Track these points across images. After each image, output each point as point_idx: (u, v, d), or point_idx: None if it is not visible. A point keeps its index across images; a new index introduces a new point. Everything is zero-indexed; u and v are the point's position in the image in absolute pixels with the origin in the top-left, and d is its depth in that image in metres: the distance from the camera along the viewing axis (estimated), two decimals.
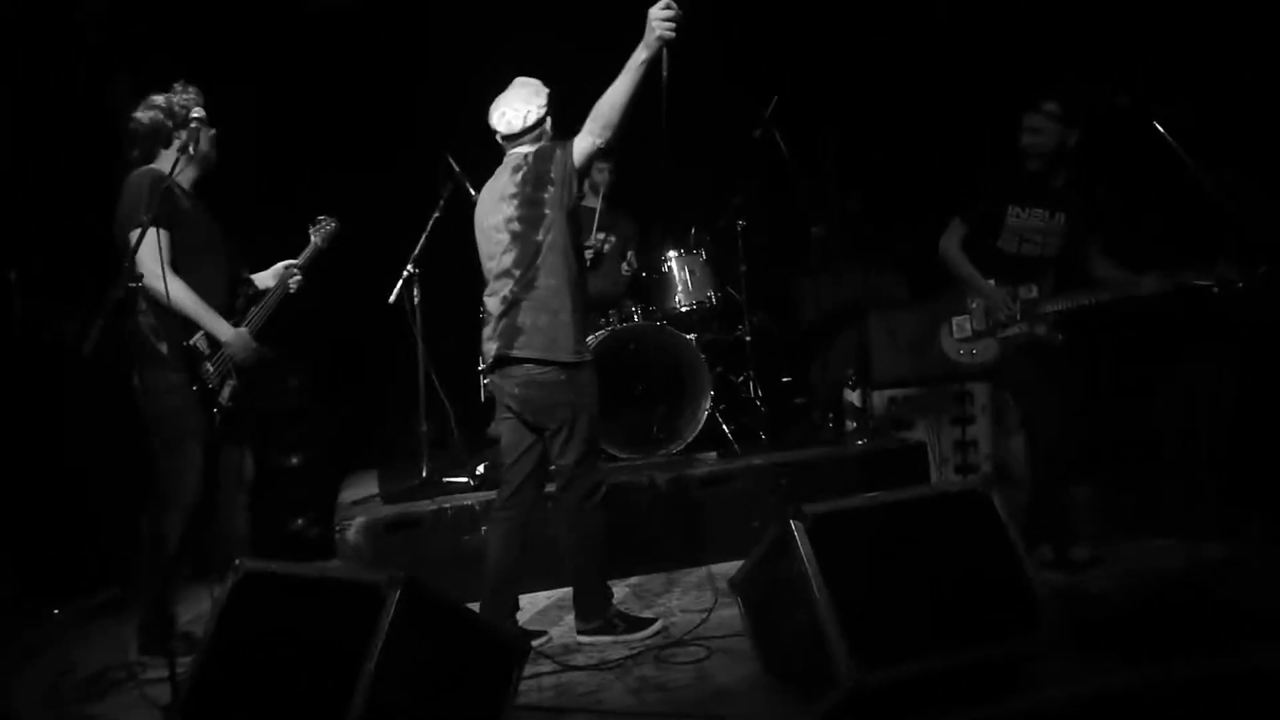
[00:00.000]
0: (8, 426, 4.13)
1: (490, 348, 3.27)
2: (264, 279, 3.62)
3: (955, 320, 3.84)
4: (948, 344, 3.86)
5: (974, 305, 3.79)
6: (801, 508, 2.59)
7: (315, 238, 3.77)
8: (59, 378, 4.33)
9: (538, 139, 3.27)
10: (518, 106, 3.25)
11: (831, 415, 4.96)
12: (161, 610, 3.29)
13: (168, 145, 3.28)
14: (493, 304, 3.28)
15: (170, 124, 3.28)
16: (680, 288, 4.83)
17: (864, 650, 2.38)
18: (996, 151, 3.83)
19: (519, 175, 3.19)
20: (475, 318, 5.06)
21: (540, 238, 3.13)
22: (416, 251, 4.35)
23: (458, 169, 4.38)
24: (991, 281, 3.71)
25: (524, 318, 3.15)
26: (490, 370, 3.35)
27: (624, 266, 5.00)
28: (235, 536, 3.52)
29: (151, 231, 3.04)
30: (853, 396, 4.85)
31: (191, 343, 3.23)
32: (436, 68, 5.39)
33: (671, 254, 4.87)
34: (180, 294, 3.14)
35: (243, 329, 3.35)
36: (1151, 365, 4.79)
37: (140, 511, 3.30)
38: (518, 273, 3.17)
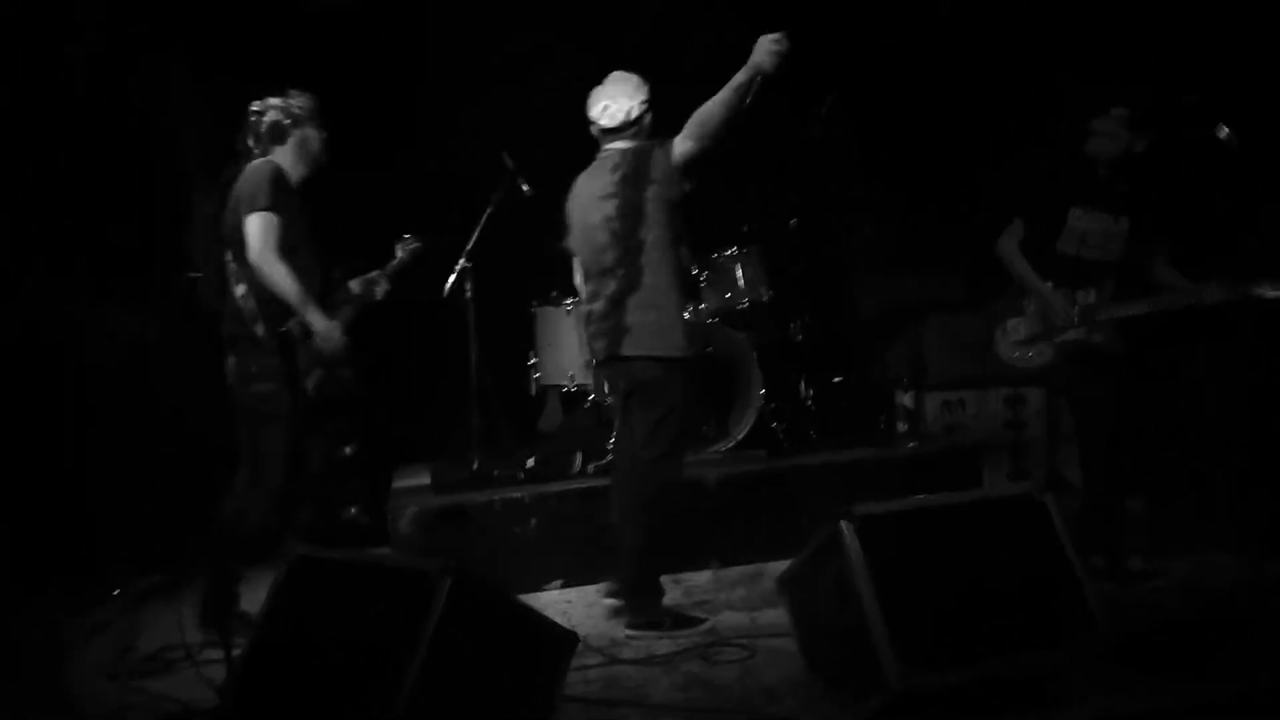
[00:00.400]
0: (71, 409, 4.24)
1: (598, 346, 3.34)
2: (352, 284, 3.76)
3: (1010, 322, 3.78)
4: (1003, 346, 3.79)
5: (1030, 308, 3.72)
6: (851, 508, 2.57)
7: (401, 252, 3.94)
8: (124, 363, 4.44)
9: (636, 135, 3.32)
10: (621, 101, 3.30)
11: (883, 417, 4.91)
12: (226, 588, 3.37)
13: (283, 143, 3.41)
14: (596, 302, 3.32)
15: (287, 122, 3.41)
16: (733, 285, 4.83)
17: (912, 653, 2.36)
18: (1057, 152, 3.77)
19: (618, 174, 3.22)
20: (527, 312, 5.15)
21: (643, 236, 3.18)
22: (470, 246, 4.40)
23: (512, 165, 4.42)
24: (1049, 284, 3.65)
25: (631, 316, 3.21)
26: (600, 366, 3.52)
27: None
28: (298, 523, 3.59)
29: (268, 216, 3.21)
30: (905, 398, 4.81)
31: (287, 328, 3.29)
32: (497, 61, 5.43)
33: (725, 251, 4.87)
34: (287, 281, 3.24)
35: (335, 321, 3.44)
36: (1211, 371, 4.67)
37: (215, 495, 3.38)
38: (621, 271, 3.22)
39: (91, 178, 4.31)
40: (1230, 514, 4.21)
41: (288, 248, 3.30)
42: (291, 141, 3.42)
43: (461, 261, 4.40)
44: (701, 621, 3.32)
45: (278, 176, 3.31)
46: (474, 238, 4.41)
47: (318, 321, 3.34)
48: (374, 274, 3.81)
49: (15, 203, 4.33)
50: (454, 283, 4.38)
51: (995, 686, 2.48)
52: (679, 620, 3.32)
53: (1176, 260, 3.64)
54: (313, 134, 3.48)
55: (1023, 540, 2.67)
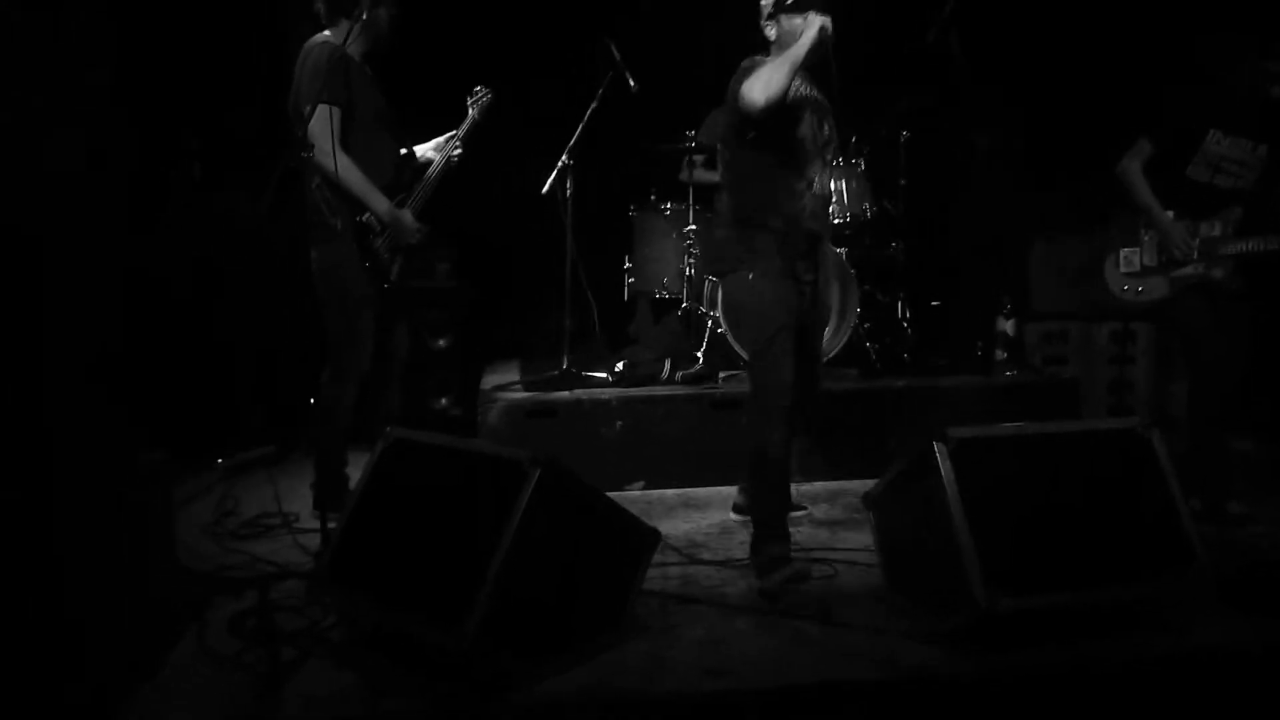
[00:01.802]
0: (180, 291, 4.39)
1: (812, 225, 3.08)
2: (425, 151, 3.65)
3: (1124, 252, 3.58)
4: (1113, 278, 3.61)
5: (1146, 238, 3.53)
6: (946, 430, 2.52)
7: (473, 110, 3.73)
8: (230, 244, 4.57)
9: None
10: None
11: (981, 344, 4.78)
12: (333, 471, 3.47)
13: (348, 15, 3.26)
14: (808, 185, 3.07)
15: None
16: (835, 199, 4.70)
17: (999, 576, 2.33)
18: (1185, 71, 3.51)
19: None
20: (625, 214, 5.11)
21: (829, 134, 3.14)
22: (573, 143, 4.35)
23: (619, 57, 4.32)
24: (1171, 214, 3.45)
25: (819, 208, 3.11)
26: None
27: None
28: (388, 408, 3.68)
29: (324, 108, 3.14)
30: (1006, 325, 4.66)
31: (365, 218, 3.31)
32: None
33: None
34: (348, 172, 3.22)
35: (405, 210, 3.41)
36: None
37: (315, 378, 3.46)
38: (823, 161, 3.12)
39: (266, 50, 4.35)
40: None
41: (356, 134, 3.26)
42: (357, 17, 3.21)
43: (563, 159, 4.36)
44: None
45: (335, 60, 3.17)
46: (576, 134, 4.34)
47: (385, 211, 3.31)
48: (444, 138, 3.67)
49: (191, 73, 4.41)
50: (554, 180, 4.35)
51: (1085, 615, 2.44)
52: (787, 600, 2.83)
53: None
54: (383, 14, 3.35)
55: (1124, 474, 2.59)
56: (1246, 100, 3.35)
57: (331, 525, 2.86)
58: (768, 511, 2.98)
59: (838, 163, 4.67)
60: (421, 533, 2.50)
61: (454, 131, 3.67)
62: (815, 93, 3.07)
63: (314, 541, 3.19)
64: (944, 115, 4.80)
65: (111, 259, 2.40)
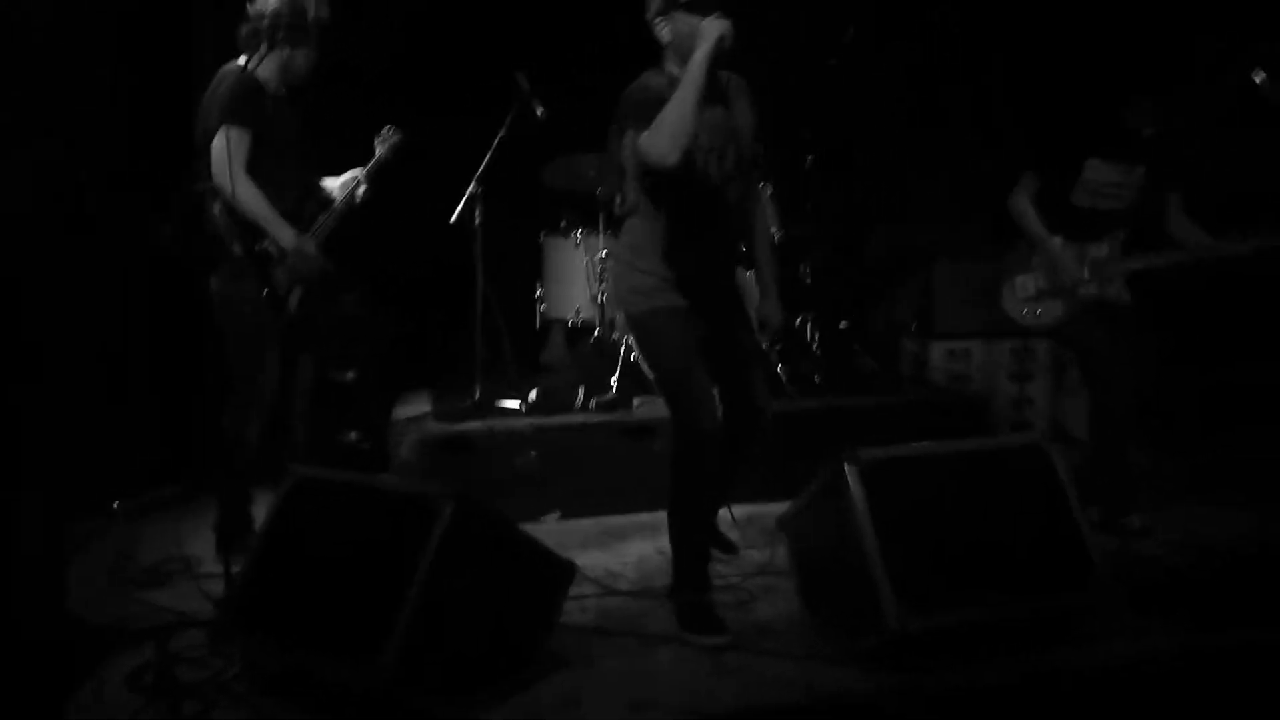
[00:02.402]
0: (80, 321, 4.20)
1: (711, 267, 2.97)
2: (332, 186, 3.59)
3: (1019, 279, 3.73)
4: (1010, 304, 3.75)
5: (1039, 264, 3.67)
6: (856, 451, 2.56)
7: (380, 148, 3.67)
8: (133, 273, 4.39)
9: None
10: None
11: (889, 363, 4.89)
12: (237, 512, 3.35)
13: (271, 49, 3.20)
14: (708, 224, 2.95)
15: (280, 34, 3.18)
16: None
17: (911, 596, 2.37)
18: (1083, 95, 3.69)
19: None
20: (535, 242, 5.10)
21: None
22: (481, 171, 4.32)
23: (527, 88, 4.32)
24: (1059, 239, 3.59)
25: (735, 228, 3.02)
26: None
27: None
28: (293, 444, 3.58)
29: (229, 131, 3.07)
30: (912, 345, 4.77)
31: (263, 247, 3.22)
32: None
33: None
34: (250, 197, 3.13)
35: (306, 237, 3.32)
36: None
37: (218, 413, 3.34)
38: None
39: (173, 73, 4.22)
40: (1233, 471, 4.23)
41: (262, 160, 3.18)
42: (270, 46, 3.18)
43: (471, 187, 4.32)
44: (722, 634, 2.70)
45: (247, 85, 3.12)
46: (484, 162, 4.32)
47: (286, 239, 3.22)
48: (350, 175, 3.60)
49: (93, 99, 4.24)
50: (463, 209, 4.31)
51: (996, 630, 2.49)
52: (699, 624, 2.75)
53: (1194, 211, 3.58)
54: (300, 58, 3.28)
55: (1025, 489, 2.67)
56: (1121, 130, 3.52)
57: (236, 569, 2.76)
58: (684, 557, 2.86)
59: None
60: (331, 574, 2.43)
61: (358, 169, 3.60)
62: (724, 112, 2.81)
63: (218, 587, 3.07)
64: (853, 140, 4.92)
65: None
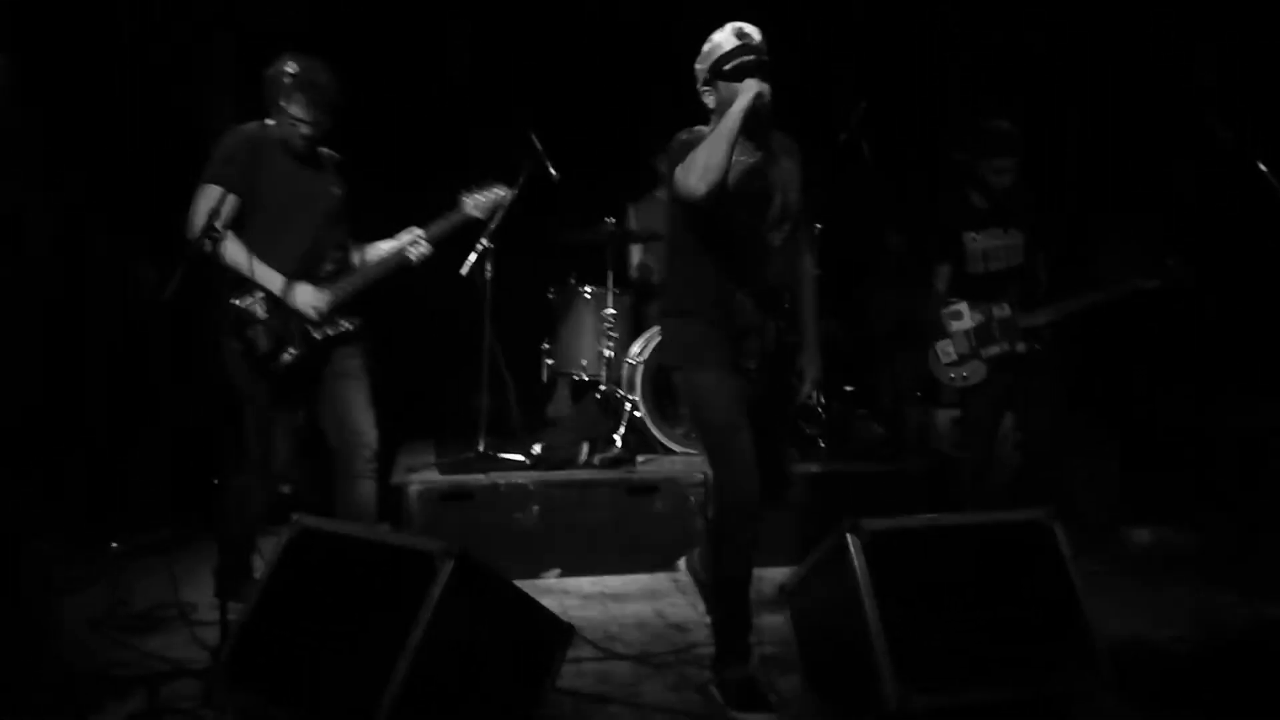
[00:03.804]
0: (78, 365, 4.24)
1: (755, 317, 2.95)
2: (379, 248, 3.48)
3: (938, 345, 3.90)
4: (938, 370, 3.93)
5: (953, 329, 3.86)
6: (859, 522, 2.55)
7: (470, 205, 3.49)
8: (131, 320, 4.43)
9: None
10: None
11: (894, 430, 4.88)
12: (239, 558, 3.33)
13: (281, 103, 3.19)
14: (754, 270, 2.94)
15: (276, 86, 3.18)
16: None
17: (911, 674, 2.34)
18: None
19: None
20: (544, 297, 5.13)
21: None
22: (493, 226, 4.36)
23: (540, 147, 4.38)
24: (965, 303, 3.84)
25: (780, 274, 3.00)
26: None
27: None
28: (295, 494, 3.57)
29: (205, 189, 3.10)
30: (917, 413, 4.77)
31: (241, 304, 3.18)
32: (528, 44, 5.42)
33: None
34: (232, 250, 3.10)
35: (304, 284, 3.23)
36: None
37: (219, 457, 3.33)
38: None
39: (174, 125, 4.30)
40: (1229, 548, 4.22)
41: (251, 216, 3.18)
42: (285, 115, 3.20)
43: (482, 242, 4.37)
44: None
45: (234, 143, 3.15)
46: (497, 218, 4.35)
47: (275, 283, 3.16)
48: (410, 232, 3.43)
49: (101, 148, 4.32)
50: (474, 262, 4.35)
51: (995, 711, 2.46)
52: (739, 699, 2.72)
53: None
54: (284, 118, 3.19)
55: (1029, 566, 2.64)
56: (985, 197, 3.81)
57: (232, 617, 2.74)
58: (728, 628, 2.82)
59: None
60: (328, 627, 2.41)
61: (422, 230, 3.45)
62: (766, 161, 2.87)
63: (212, 635, 3.04)
64: (855, 211, 4.97)
65: (22, 339, 2.32)
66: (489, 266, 4.41)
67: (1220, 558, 4.15)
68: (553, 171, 4.38)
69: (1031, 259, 3.87)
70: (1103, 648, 2.54)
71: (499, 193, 3.53)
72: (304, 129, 3.22)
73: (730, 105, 2.69)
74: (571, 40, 5.53)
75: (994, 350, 3.82)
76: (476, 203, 3.49)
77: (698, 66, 2.86)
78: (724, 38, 2.79)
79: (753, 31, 2.79)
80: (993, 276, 3.84)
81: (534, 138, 4.38)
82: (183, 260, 2.78)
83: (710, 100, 2.85)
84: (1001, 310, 3.82)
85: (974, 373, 3.84)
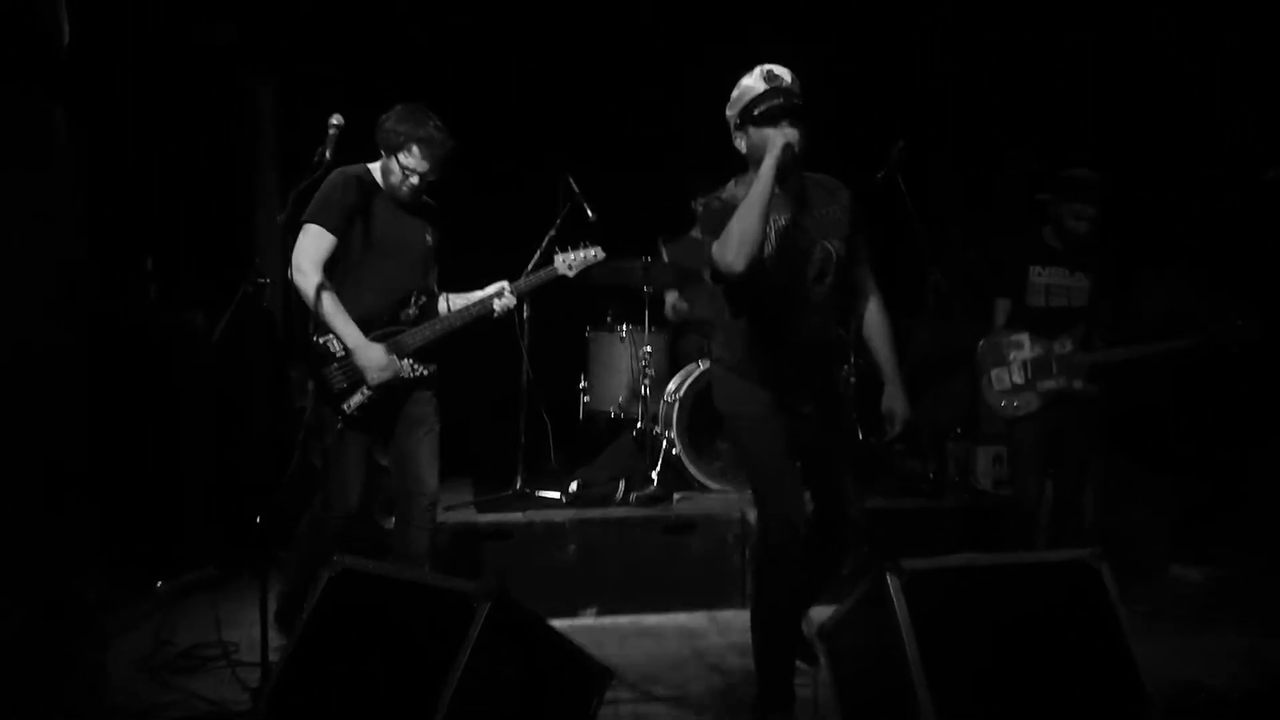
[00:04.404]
0: (130, 406, 4.32)
1: (802, 366, 2.92)
2: (468, 297, 3.51)
3: (994, 372, 3.90)
4: (990, 396, 3.93)
5: (1012, 358, 3.86)
6: (899, 562, 2.52)
7: (561, 263, 3.54)
8: (184, 362, 4.52)
9: None
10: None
11: (934, 466, 4.83)
12: (297, 590, 3.31)
13: (389, 152, 3.24)
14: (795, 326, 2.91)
15: (394, 135, 3.21)
16: None
17: (953, 717, 2.30)
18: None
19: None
20: (581, 337, 5.17)
21: None
22: (530, 268, 4.41)
23: (577, 190, 4.44)
24: (1027, 334, 3.86)
25: (820, 324, 2.95)
26: None
27: None
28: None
29: (309, 229, 3.15)
30: (957, 449, 4.73)
31: (320, 340, 3.21)
32: (563, 85, 5.51)
33: None
34: (318, 298, 3.11)
35: (377, 344, 3.22)
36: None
37: (264, 497, 3.37)
38: None
39: (226, 173, 4.40)
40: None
41: (341, 260, 3.21)
42: (381, 161, 3.28)
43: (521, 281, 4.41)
44: None
45: (336, 187, 3.18)
46: (534, 259, 4.41)
47: (352, 339, 3.16)
48: (500, 285, 3.46)
49: (153, 193, 4.45)
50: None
51: None
52: None
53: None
54: (395, 167, 3.24)
55: (1074, 608, 2.59)
56: (1059, 238, 3.87)
57: (273, 658, 2.76)
58: (770, 671, 2.79)
59: None
60: (367, 669, 2.42)
61: (510, 284, 3.49)
62: (801, 213, 2.79)
63: (255, 676, 3.07)
64: (893, 249, 4.98)
65: (77, 385, 2.38)
66: (526, 306, 4.45)
67: (1272, 598, 4.05)
68: (589, 212, 4.42)
69: (1096, 304, 3.88)
70: (1152, 690, 2.48)
71: (592, 254, 3.56)
72: (414, 179, 3.25)
73: (761, 151, 2.66)
74: (607, 81, 5.62)
75: (1049, 384, 3.82)
76: (569, 261, 3.54)
77: (728, 112, 2.81)
78: (753, 81, 2.73)
79: (783, 73, 2.73)
80: (1052, 312, 3.86)
81: (570, 179, 4.43)
82: (232, 304, 2.85)
83: (741, 145, 2.79)
84: (1063, 346, 3.82)
85: (1026, 403, 3.83)
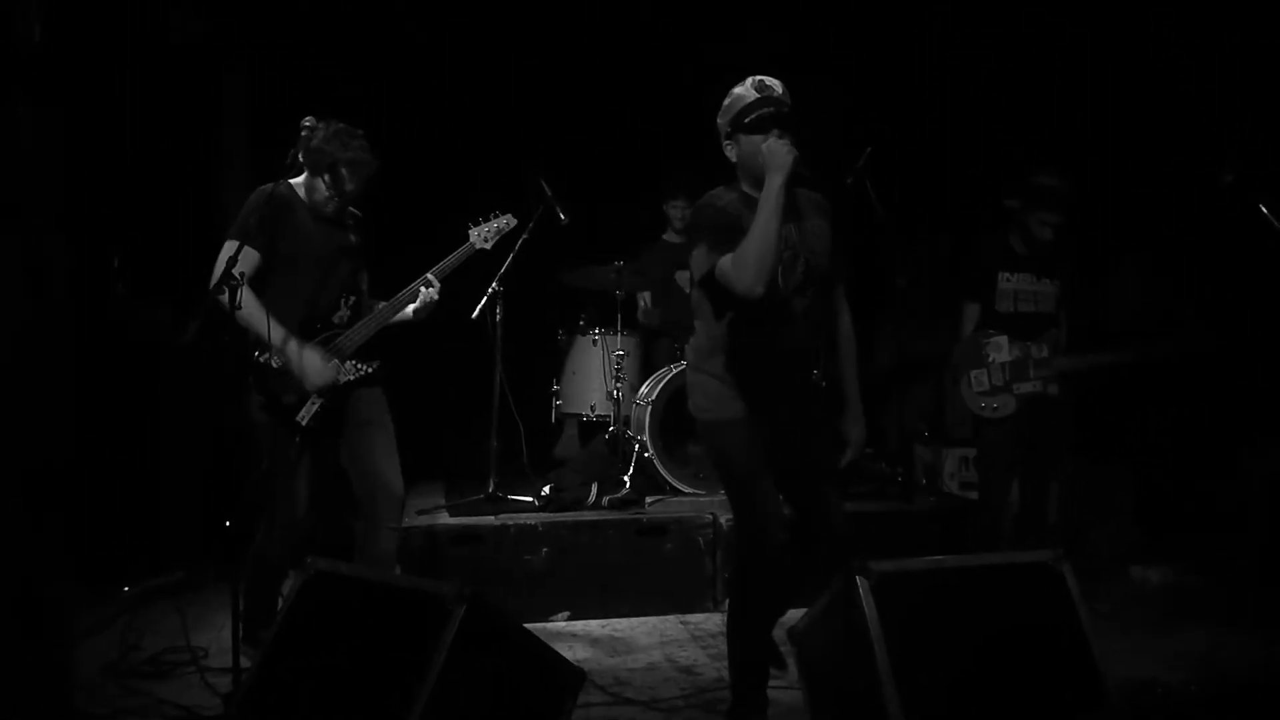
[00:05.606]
0: (95, 409, 4.27)
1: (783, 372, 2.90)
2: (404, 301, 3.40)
3: (973, 373, 3.94)
4: (969, 397, 3.96)
5: (991, 359, 3.91)
6: (867, 564, 2.55)
7: (476, 237, 3.46)
8: (148, 364, 4.49)
9: None
10: None
11: (901, 469, 4.89)
12: (265, 603, 3.33)
13: (314, 171, 3.23)
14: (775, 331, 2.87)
15: (318, 155, 3.19)
16: None
17: (921, 717, 2.34)
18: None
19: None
20: (554, 340, 5.18)
21: None
22: (503, 270, 4.43)
23: (550, 192, 4.45)
24: (1005, 337, 3.89)
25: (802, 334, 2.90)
26: None
27: None
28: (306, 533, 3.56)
29: (230, 245, 3.08)
30: (925, 451, 4.79)
31: (260, 358, 3.16)
32: (534, 90, 5.52)
33: None
34: (246, 311, 3.03)
35: (310, 348, 3.19)
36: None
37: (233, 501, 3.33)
38: None
39: (193, 172, 4.34)
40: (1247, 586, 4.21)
41: (270, 272, 3.19)
42: (305, 178, 3.25)
43: (493, 285, 4.43)
44: None
45: (259, 202, 3.15)
46: (507, 262, 4.42)
47: (278, 341, 3.10)
48: (421, 278, 3.38)
49: (120, 191, 4.40)
50: (484, 305, 4.40)
51: None
52: None
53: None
54: (320, 186, 3.22)
55: (1038, 607, 2.64)
56: (1026, 245, 3.91)
57: (245, 663, 2.75)
58: (744, 676, 2.81)
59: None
60: (340, 674, 2.42)
61: (433, 272, 3.38)
62: (789, 228, 2.74)
63: (224, 681, 3.06)
64: (860, 253, 5.03)
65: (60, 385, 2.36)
66: (499, 309, 4.46)
67: (1231, 598, 4.14)
68: (562, 215, 4.44)
69: (1063, 309, 3.97)
70: (1113, 688, 2.54)
71: (504, 222, 3.52)
72: (337, 200, 3.25)
73: (751, 160, 2.68)
74: (583, 84, 5.63)
75: (1026, 388, 3.87)
76: (483, 234, 3.49)
77: (719, 120, 2.81)
78: (745, 91, 2.74)
79: (774, 84, 2.74)
80: (1020, 317, 3.92)
81: (544, 182, 4.45)
82: (202, 306, 2.83)
83: (732, 154, 2.80)
84: (1040, 350, 3.89)
85: (1004, 405, 3.88)
